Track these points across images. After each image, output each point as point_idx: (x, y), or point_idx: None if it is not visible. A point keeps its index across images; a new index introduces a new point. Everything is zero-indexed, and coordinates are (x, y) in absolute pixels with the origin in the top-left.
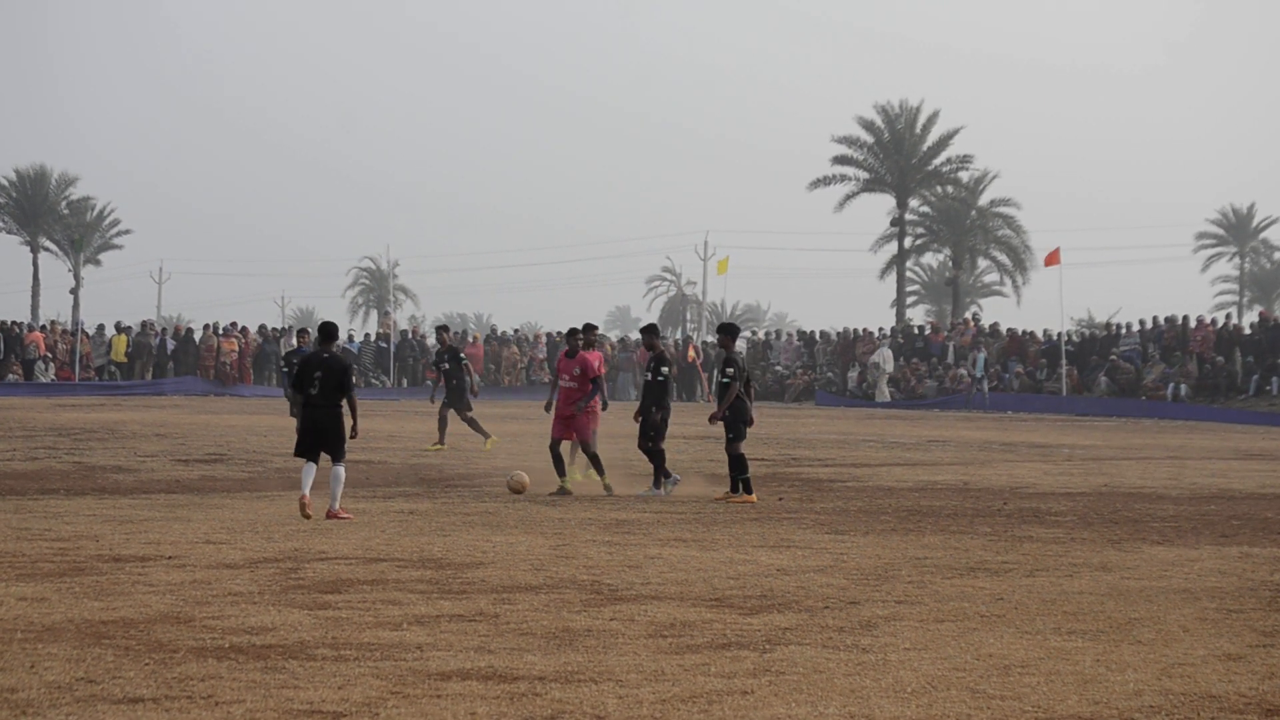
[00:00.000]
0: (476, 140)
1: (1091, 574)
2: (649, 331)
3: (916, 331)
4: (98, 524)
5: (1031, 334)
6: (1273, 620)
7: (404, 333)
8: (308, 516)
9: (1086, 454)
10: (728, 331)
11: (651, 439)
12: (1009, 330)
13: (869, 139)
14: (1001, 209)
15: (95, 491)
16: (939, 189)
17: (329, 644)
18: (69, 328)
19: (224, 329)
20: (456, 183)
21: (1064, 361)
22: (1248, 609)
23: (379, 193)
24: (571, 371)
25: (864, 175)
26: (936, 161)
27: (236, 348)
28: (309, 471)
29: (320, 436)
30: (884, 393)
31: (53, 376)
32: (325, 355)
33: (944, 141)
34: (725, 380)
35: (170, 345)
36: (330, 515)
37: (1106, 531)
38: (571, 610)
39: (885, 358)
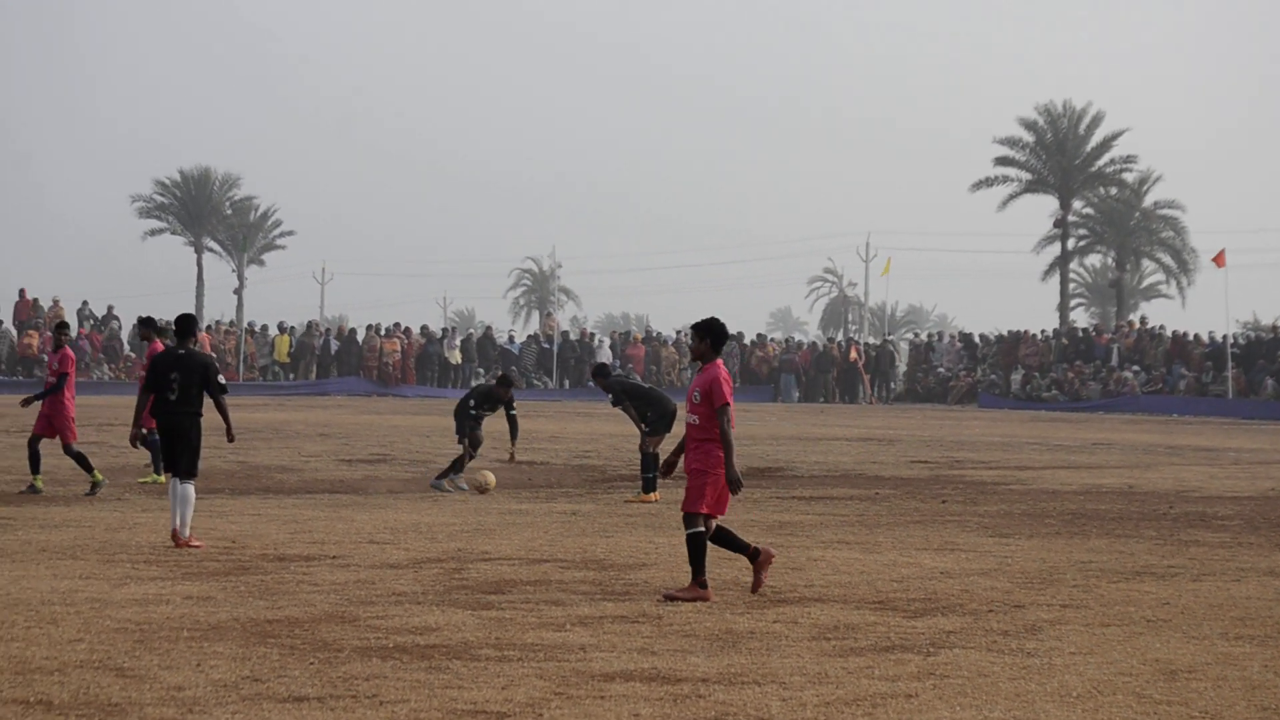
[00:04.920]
0: (640, 142)
1: (1259, 579)
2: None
3: (1080, 334)
4: (263, 523)
5: (1196, 337)
6: None
7: (565, 333)
8: (197, 545)
9: (1253, 458)
10: (599, 373)
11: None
12: (1173, 333)
13: (1030, 139)
14: (1166, 211)
15: (260, 491)
16: (1102, 190)
17: (492, 644)
18: (233, 329)
19: (386, 330)
20: (620, 184)
21: (1230, 364)
22: None
23: (542, 195)
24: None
25: (1026, 176)
26: (1100, 163)
27: (399, 348)
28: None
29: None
30: None
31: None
32: (181, 353)
33: (1107, 143)
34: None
35: (333, 346)
36: (177, 542)
37: (1274, 535)
38: (734, 612)
39: None
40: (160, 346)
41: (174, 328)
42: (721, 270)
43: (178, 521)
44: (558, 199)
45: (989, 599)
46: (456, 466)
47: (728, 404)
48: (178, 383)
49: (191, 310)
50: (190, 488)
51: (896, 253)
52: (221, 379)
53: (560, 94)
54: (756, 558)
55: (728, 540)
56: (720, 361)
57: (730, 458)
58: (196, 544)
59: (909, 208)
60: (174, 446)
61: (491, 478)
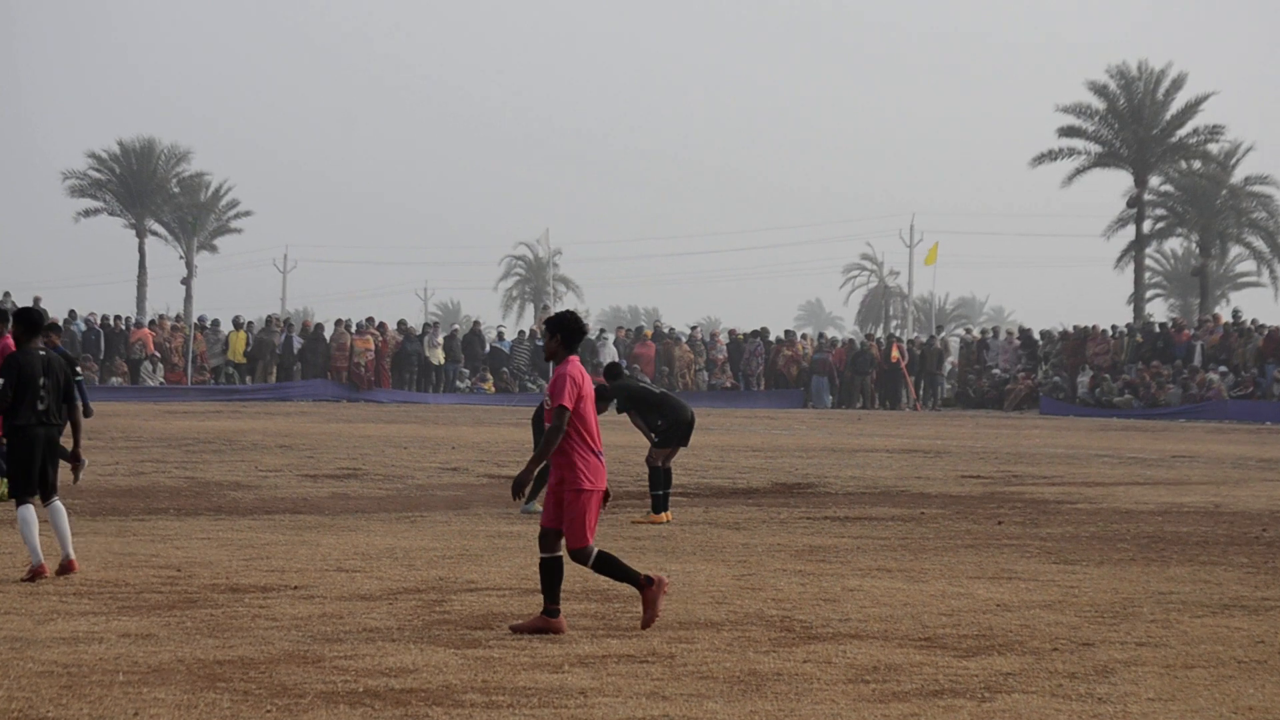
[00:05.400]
0: (648, 110)
1: None
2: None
3: (1157, 329)
4: (213, 549)
5: None
6: None
7: None
8: (70, 569)
9: None
10: (611, 374)
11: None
12: (1266, 328)
13: (1101, 106)
14: (1257, 188)
15: (210, 511)
16: (1184, 164)
17: (479, 688)
18: (180, 324)
19: (358, 325)
20: (624, 159)
21: None
22: None
23: (537, 172)
24: None
25: (1095, 149)
26: (1181, 133)
27: (373, 346)
28: (51, 516)
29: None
30: None
31: (161, 379)
32: (43, 354)
33: (1190, 110)
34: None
35: (296, 343)
36: (66, 568)
37: None
38: (758, 650)
39: None
40: (11, 344)
41: (17, 322)
42: (743, 258)
43: (70, 548)
44: (554, 176)
45: (1053, 635)
46: (540, 483)
47: (563, 407)
48: (47, 389)
49: (134, 300)
50: (61, 504)
51: (945, 236)
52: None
53: (555, 50)
54: (648, 588)
55: (613, 568)
56: (575, 359)
57: (536, 463)
58: (75, 566)
59: (959, 185)
60: (47, 462)
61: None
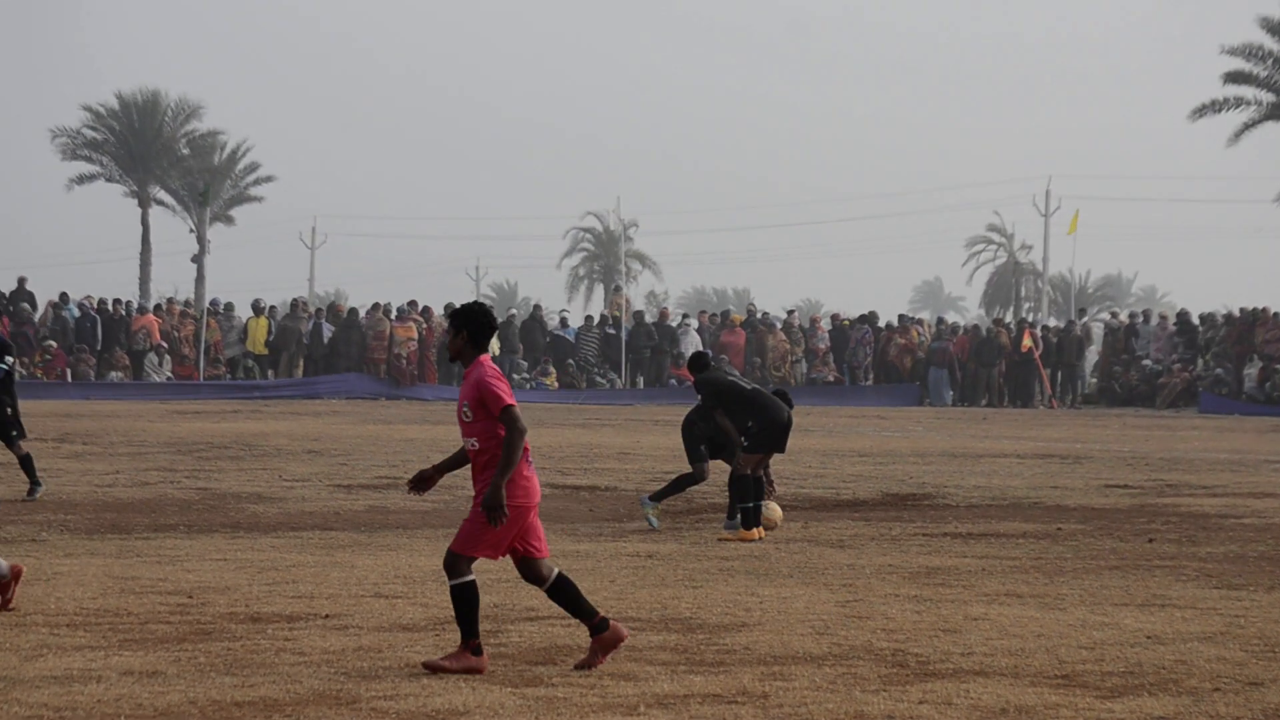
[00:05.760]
0: (733, 64)
1: None
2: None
3: None
4: (230, 571)
5: None
6: None
7: (639, 314)
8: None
9: None
10: (697, 365)
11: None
12: None
13: (1276, 47)
14: None
15: (226, 528)
16: None
17: None
18: (190, 309)
19: (399, 310)
20: (708, 118)
21: None
22: None
23: (608, 132)
24: None
25: (1269, 98)
26: None
27: (416, 335)
28: None
29: None
30: None
31: (169, 374)
32: None
33: None
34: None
35: (327, 331)
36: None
37: None
38: (866, 689)
39: None
40: None
41: None
42: (848, 230)
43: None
44: (628, 135)
45: (1214, 673)
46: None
47: (510, 405)
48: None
49: (136, 281)
50: None
51: (1086, 204)
52: None
53: (626, 5)
54: (602, 631)
55: (569, 599)
56: (486, 359)
57: (504, 475)
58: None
59: (1104, 142)
60: None
61: (777, 511)
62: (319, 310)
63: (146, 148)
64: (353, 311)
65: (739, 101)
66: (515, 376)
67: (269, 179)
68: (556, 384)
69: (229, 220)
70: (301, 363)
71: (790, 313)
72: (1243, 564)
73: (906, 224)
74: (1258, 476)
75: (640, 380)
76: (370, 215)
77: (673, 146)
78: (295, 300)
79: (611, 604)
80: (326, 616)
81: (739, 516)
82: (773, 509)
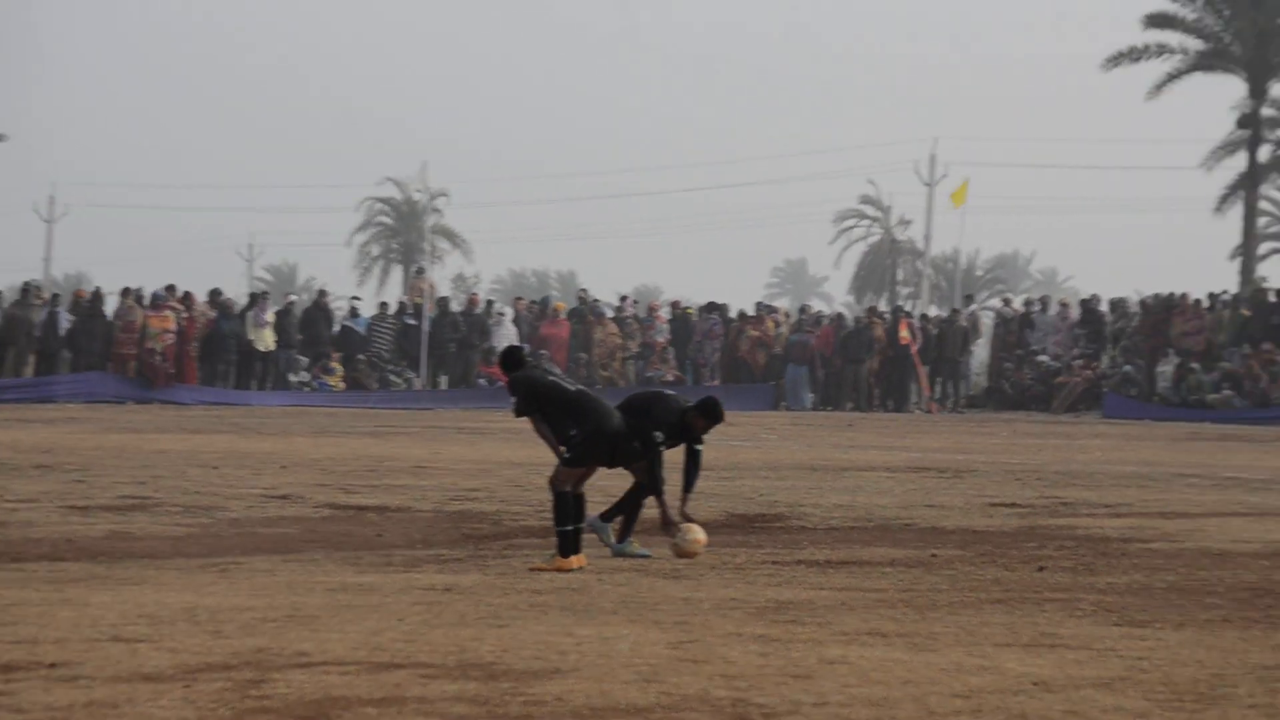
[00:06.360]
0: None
1: None
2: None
3: (1273, 299)
4: None
5: None
6: None
7: (444, 301)
8: None
9: None
10: (510, 363)
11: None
12: None
13: None
14: None
15: None
16: None
17: None
18: None
19: (154, 296)
20: (526, 77)
21: None
22: None
23: (409, 86)
24: None
25: (1196, 44)
26: None
27: (174, 326)
28: None
29: None
30: None
31: None
32: None
33: None
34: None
35: (65, 322)
36: None
37: None
38: None
39: None
40: None
41: None
42: (695, 202)
43: None
44: (434, 91)
45: None
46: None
47: None
48: None
49: None
50: None
51: (977, 171)
52: None
53: None
54: None
55: None
56: None
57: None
58: None
59: (999, 101)
60: None
61: (700, 537)
62: (56, 296)
63: None
64: (97, 298)
65: (565, 52)
66: (293, 376)
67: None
68: (343, 383)
69: None
70: (32, 359)
71: (623, 300)
72: (1147, 597)
73: (763, 195)
74: (1168, 493)
75: (443, 380)
76: (121, 183)
77: (488, 104)
78: (27, 284)
79: (400, 647)
80: (52, 665)
81: (560, 542)
82: (695, 533)
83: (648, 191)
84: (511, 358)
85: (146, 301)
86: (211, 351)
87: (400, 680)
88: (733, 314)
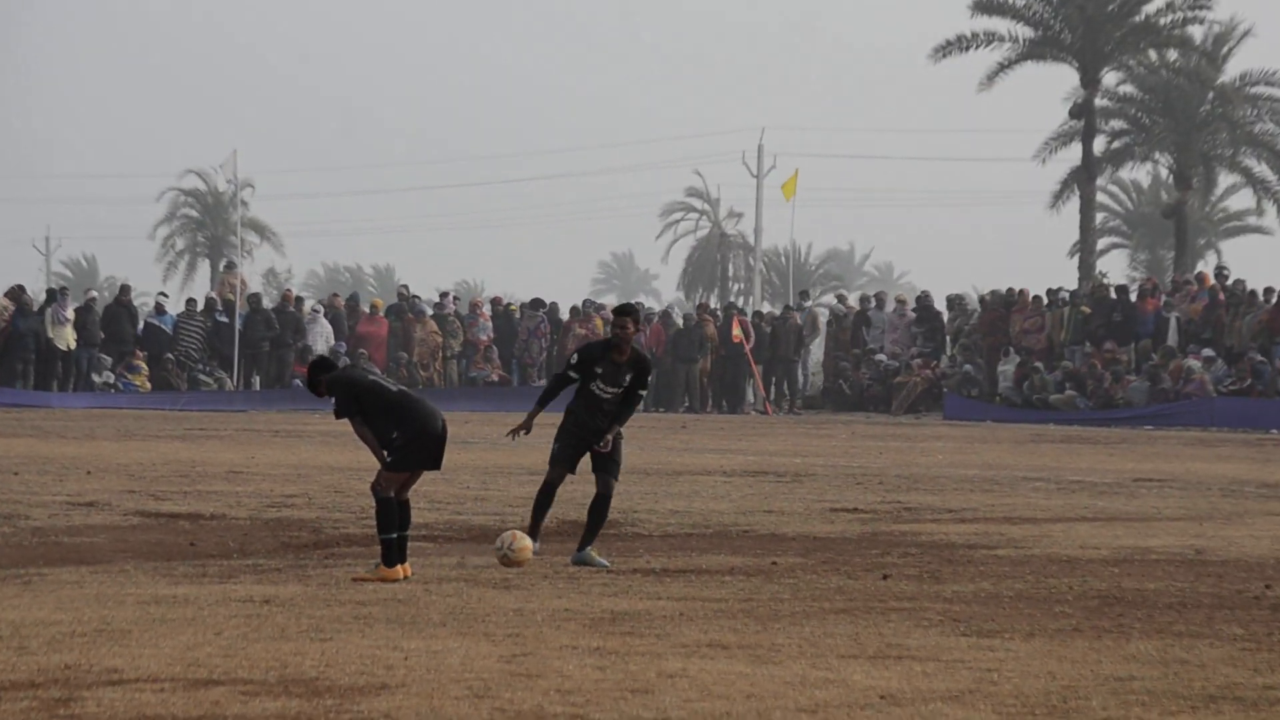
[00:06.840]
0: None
1: None
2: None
3: (1114, 295)
4: None
5: None
6: None
7: (255, 298)
8: None
9: None
10: (319, 370)
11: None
12: (1276, 292)
13: None
14: (1261, 89)
15: None
16: (1153, 55)
17: None
18: None
19: None
20: (338, 60)
21: None
22: None
23: (216, 69)
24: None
25: (1027, 33)
26: (1149, 9)
27: None
28: None
29: None
30: None
31: None
32: None
33: None
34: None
35: None
36: None
37: None
38: None
39: None
40: None
41: None
42: (516, 194)
43: None
44: (241, 74)
45: None
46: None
47: None
48: None
49: None
50: None
51: (807, 163)
52: None
53: None
54: None
55: None
56: None
57: None
58: None
59: (829, 90)
60: None
61: (526, 544)
62: None
63: None
64: None
65: (380, 36)
66: (96, 376)
67: None
68: (149, 384)
69: None
70: None
71: (444, 296)
72: (996, 605)
73: (588, 187)
74: (1014, 497)
75: (256, 380)
76: None
77: (296, 90)
78: None
79: (217, 662)
80: None
81: (383, 551)
82: (522, 540)
83: (468, 183)
84: (323, 366)
85: None
86: (8, 350)
87: (218, 698)
88: (561, 313)
